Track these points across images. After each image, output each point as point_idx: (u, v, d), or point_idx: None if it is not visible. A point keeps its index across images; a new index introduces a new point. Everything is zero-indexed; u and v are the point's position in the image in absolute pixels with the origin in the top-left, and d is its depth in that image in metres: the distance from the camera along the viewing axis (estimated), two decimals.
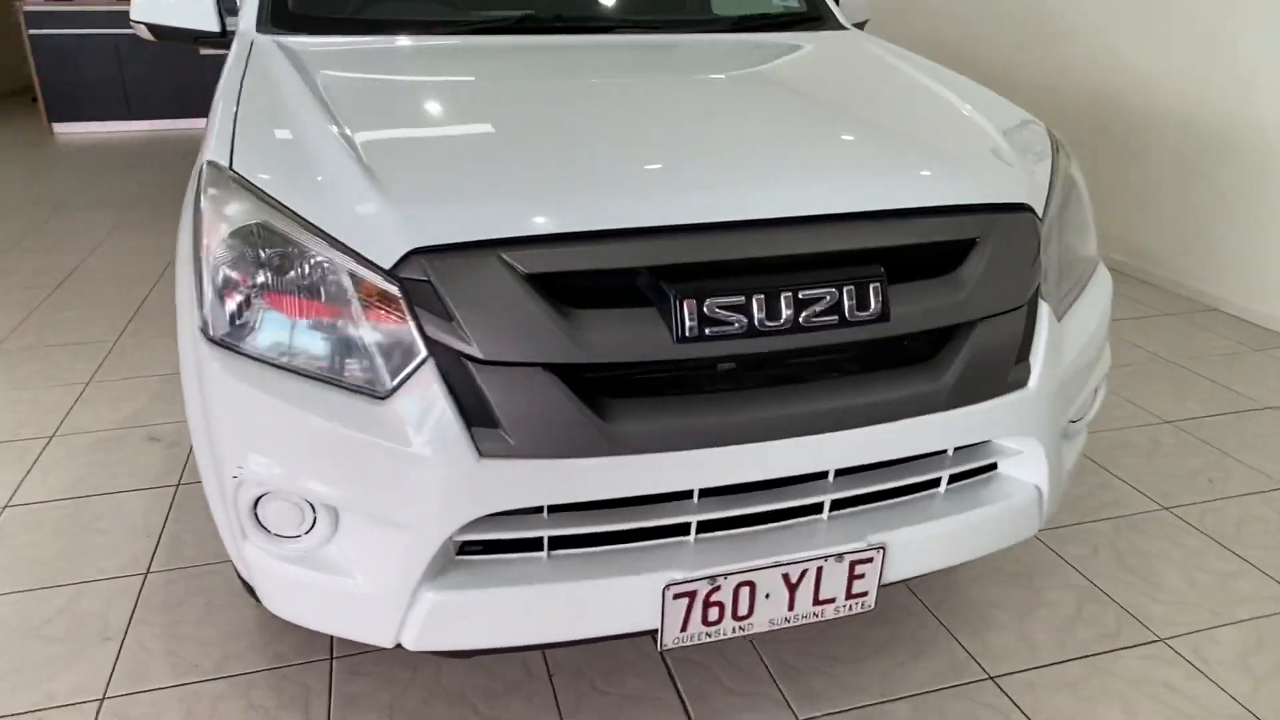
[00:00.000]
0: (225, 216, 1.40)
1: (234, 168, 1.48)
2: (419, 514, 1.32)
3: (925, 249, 1.50)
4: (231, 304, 1.37)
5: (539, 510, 1.39)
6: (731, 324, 1.34)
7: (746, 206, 1.43)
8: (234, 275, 1.37)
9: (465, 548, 1.43)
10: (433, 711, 1.76)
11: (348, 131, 1.55)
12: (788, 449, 1.41)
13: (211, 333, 1.39)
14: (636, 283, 1.37)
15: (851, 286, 1.38)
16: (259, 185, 1.43)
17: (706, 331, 1.33)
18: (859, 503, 1.58)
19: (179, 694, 1.79)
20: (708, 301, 1.33)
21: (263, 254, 1.36)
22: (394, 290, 1.31)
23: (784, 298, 1.36)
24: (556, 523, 1.40)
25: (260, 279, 1.36)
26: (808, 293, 1.37)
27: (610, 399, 1.35)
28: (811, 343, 1.38)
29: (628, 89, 1.90)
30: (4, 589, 2.09)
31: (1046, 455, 1.63)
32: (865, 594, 1.54)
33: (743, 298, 1.34)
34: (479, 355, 1.28)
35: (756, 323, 1.34)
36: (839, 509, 1.57)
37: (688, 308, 1.32)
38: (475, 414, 1.30)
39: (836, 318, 1.38)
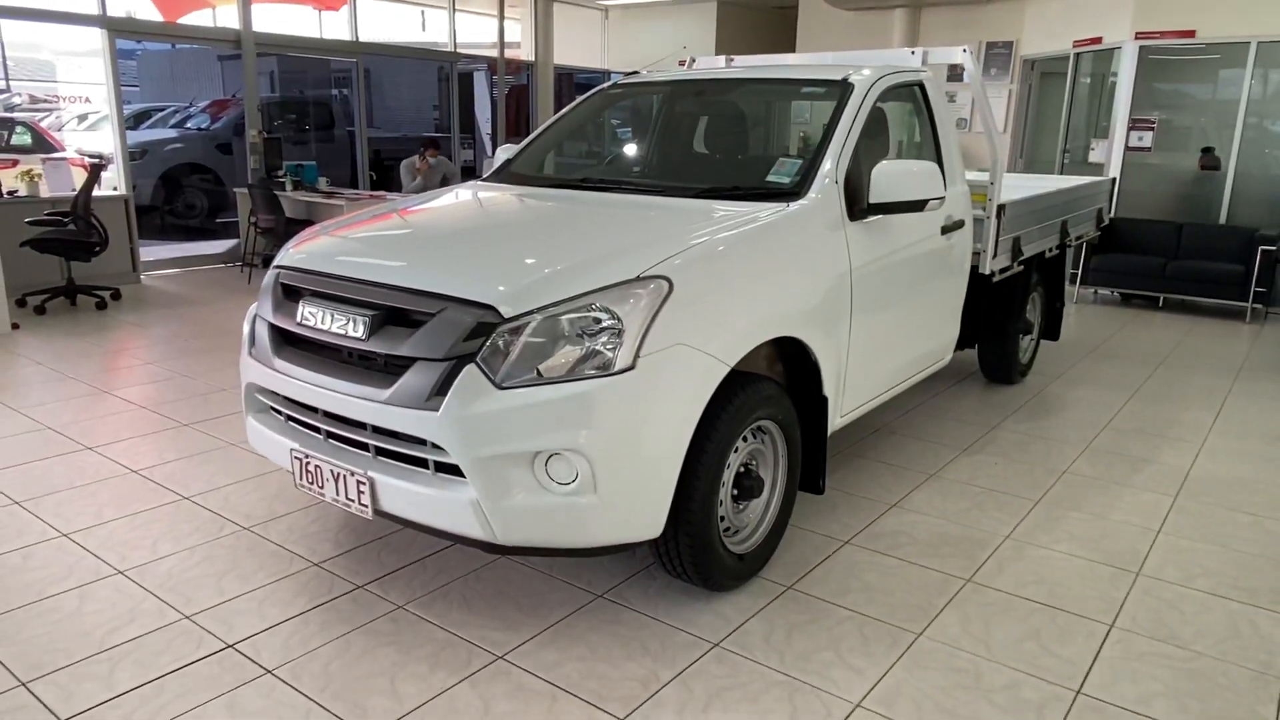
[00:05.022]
0: None
1: None
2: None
3: (414, 311, 2.49)
4: None
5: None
6: (312, 321, 2.65)
7: (360, 270, 2.68)
8: None
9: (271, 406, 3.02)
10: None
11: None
12: (320, 393, 2.63)
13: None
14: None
15: (358, 317, 2.53)
16: None
17: (303, 321, 2.68)
18: (368, 449, 2.64)
19: None
20: (304, 307, 2.68)
21: None
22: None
23: (330, 315, 2.60)
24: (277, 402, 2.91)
25: None
26: (337, 315, 2.58)
27: (283, 341, 2.81)
28: (340, 343, 2.58)
29: (544, 214, 3.15)
30: None
31: (469, 472, 2.37)
32: (367, 506, 2.59)
33: (316, 310, 2.64)
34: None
35: (319, 323, 2.63)
36: (375, 452, 2.64)
37: (301, 306, 2.69)
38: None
39: (344, 332, 2.55)
